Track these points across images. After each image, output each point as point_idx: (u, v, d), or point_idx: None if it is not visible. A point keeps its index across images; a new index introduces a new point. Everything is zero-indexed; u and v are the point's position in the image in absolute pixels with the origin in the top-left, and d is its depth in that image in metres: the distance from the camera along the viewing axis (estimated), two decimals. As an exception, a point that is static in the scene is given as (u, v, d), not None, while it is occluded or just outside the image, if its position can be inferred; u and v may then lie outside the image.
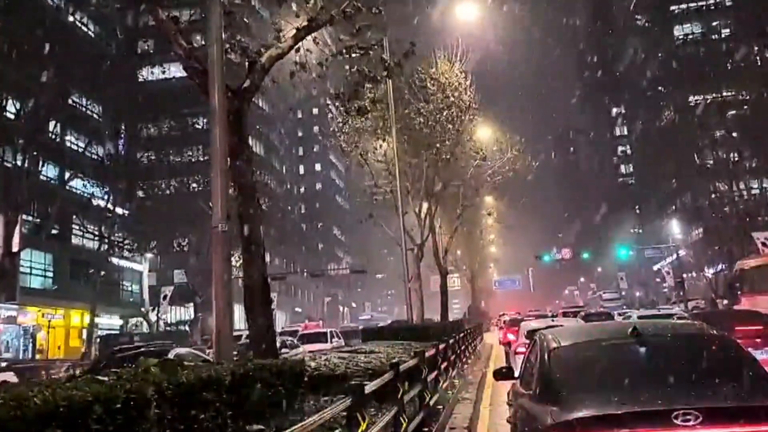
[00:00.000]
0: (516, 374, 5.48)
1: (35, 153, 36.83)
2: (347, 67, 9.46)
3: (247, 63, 7.89)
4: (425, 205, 22.50)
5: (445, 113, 20.36)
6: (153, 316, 39.90)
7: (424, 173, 20.91)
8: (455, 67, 21.22)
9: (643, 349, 4.32)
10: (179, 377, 3.45)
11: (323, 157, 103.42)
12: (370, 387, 4.64)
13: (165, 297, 36.25)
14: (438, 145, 20.38)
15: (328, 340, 23.48)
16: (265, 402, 4.49)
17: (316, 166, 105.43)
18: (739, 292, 23.21)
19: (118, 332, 41.96)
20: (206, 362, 6.73)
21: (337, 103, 9.46)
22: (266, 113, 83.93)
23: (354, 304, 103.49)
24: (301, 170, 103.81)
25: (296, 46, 8.48)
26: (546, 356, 4.46)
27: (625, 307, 34.08)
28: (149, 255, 39.86)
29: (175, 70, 67.74)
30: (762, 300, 19.84)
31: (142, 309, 40.06)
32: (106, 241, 38.64)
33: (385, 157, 20.48)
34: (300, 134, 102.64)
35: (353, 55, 9.11)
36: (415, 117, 20.38)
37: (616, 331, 5.33)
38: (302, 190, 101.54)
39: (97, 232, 38.31)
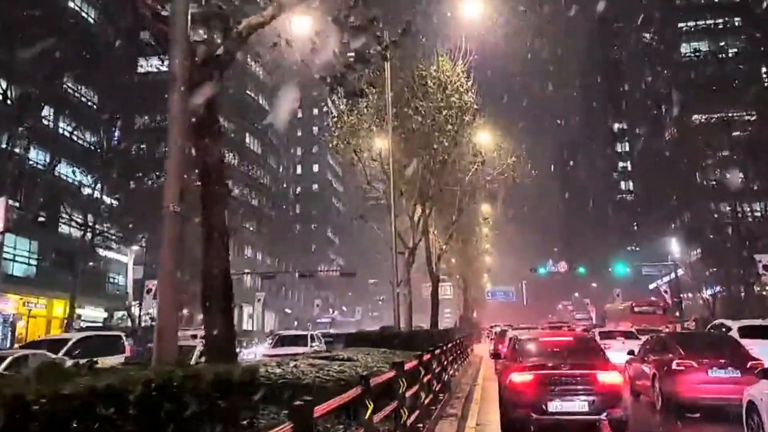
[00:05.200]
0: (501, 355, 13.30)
1: (26, 137, 35.98)
2: (336, 50, 8.62)
3: (223, 29, 7.04)
4: (419, 208, 21.56)
5: (444, 113, 19.50)
6: (137, 311, 38.83)
7: (419, 174, 20.04)
8: (457, 67, 20.36)
9: (556, 340, 11.07)
10: (61, 388, 2.58)
11: (321, 159, 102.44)
12: (322, 407, 3.77)
13: (149, 291, 35.10)
14: (435, 145, 19.54)
15: (308, 343, 22.20)
16: (198, 418, 3.63)
17: (314, 167, 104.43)
18: (606, 320, 46.85)
19: (101, 325, 40.90)
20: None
21: (326, 87, 8.58)
22: (266, 110, 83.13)
23: (345, 308, 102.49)
24: (299, 170, 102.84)
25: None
26: (513, 342, 10.91)
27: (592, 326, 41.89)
28: (135, 247, 38.72)
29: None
30: (612, 325, 35.74)
31: (126, 303, 38.88)
32: (94, 230, 37.52)
33: (380, 157, 19.61)
34: (299, 134, 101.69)
35: (347, 33, 8.32)
36: (413, 115, 19.53)
37: (545, 333, 15.16)
38: (298, 190, 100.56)
39: (84, 221, 37.20)
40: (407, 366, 6.95)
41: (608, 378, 9.03)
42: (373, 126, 19.68)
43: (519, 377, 9.11)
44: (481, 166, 22.59)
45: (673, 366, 11.65)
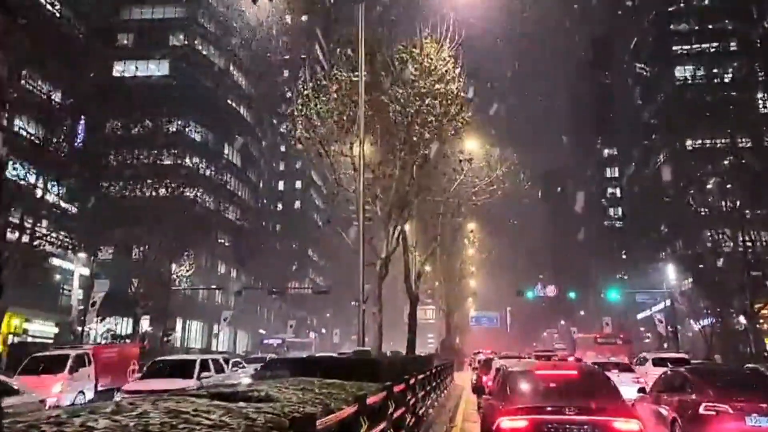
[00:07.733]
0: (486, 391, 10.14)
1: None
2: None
3: None
4: (394, 215, 18.61)
5: (427, 101, 16.74)
6: (89, 326, 35.25)
7: (396, 173, 17.20)
8: (443, 51, 17.62)
9: (556, 374, 8.70)
10: None
11: (305, 175, 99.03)
12: None
13: (93, 303, 31.62)
14: (415, 138, 16.73)
15: (195, 374, 16.35)
16: None
17: (296, 184, 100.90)
18: (575, 348, 47.26)
19: (52, 341, 37.23)
20: None
21: None
22: (248, 122, 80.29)
23: (324, 330, 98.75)
24: (281, 186, 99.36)
25: None
26: (501, 376, 8.94)
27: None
28: (82, 254, 35.16)
29: (154, 68, 64.70)
30: (580, 353, 38.39)
31: (70, 316, 35.08)
32: (33, 234, 33.71)
33: (350, 150, 16.76)
34: (282, 149, 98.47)
35: None
36: (393, 104, 16.76)
37: (542, 365, 10.30)
38: (279, 206, 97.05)
39: (20, 223, 33.60)
40: (320, 425, 3.95)
41: (626, 426, 7.03)
42: (343, 116, 16.86)
43: (510, 423, 7.11)
44: (469, 164, 19.77)
45: (701, 410, 9.76)
